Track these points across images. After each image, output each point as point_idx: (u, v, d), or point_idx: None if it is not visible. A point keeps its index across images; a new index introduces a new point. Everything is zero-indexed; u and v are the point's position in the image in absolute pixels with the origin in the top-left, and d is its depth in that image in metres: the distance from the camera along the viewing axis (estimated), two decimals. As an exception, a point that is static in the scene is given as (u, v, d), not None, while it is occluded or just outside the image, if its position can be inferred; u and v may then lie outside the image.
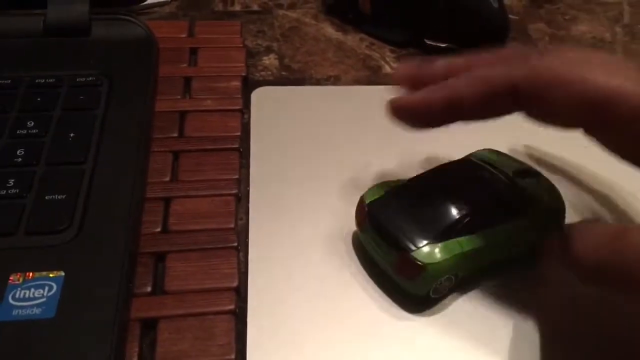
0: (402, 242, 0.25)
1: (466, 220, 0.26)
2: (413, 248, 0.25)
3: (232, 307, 0.26)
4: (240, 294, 0.26)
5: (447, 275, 0.25)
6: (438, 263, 0.25)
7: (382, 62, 0.40)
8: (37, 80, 0.32)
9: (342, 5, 0.43)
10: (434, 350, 0.25)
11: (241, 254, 0.28)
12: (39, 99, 0.31)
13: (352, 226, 0.29)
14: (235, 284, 0.26)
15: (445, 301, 0.27)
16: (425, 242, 0.25)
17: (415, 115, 0.26)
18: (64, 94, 0.32)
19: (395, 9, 0.41)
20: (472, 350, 0.25)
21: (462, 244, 0.25)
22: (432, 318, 0.26)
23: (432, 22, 0.40)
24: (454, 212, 0.26)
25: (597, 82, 0.22)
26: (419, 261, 0.25)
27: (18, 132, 0.29)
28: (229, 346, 0.24)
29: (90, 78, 0.33)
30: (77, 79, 0.33)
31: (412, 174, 0.29)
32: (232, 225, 0.29)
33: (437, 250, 0.25)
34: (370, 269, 0.28)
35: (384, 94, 0.37)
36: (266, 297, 0.26)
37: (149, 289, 0.26)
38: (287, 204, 0.30)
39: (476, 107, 0.25)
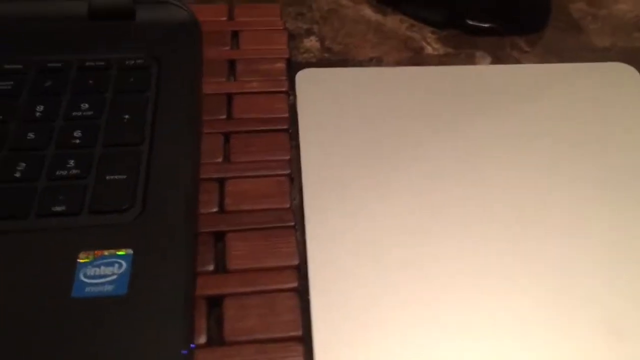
0: None
1: None
2: None
3: (294, 284, 0.26)
4: (301, 271, 0.27)
5: None
6: None
7: (424, 43, 0.40)
8: (87, 64, 0.33)
9: None
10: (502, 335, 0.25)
11: (298, 232, 0.28)
12: (90, 82, 0.31)
13: (406, 198, 0.29)
14: (296, 262, 0.27)
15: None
16: None
17: None
18: (114, 77, 0.32)
19: None
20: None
21: None
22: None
23: (474, 2, 0.40)
24: None
25: None
26: None
27: (73, 114, 0.30)
28: (295, 322, 0.24)
29: (139, 61, 0.33)
30: (127, 62, 0.33)
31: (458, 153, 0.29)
32: (287, 205, 0.29)
33: None
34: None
35: (427, 74, 0.37)
36: (327, 274, 0.26)
37: (211, 267, 0.26)
38: (339, 183, 0.30)
39: None
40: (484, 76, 0.37)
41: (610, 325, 0.25)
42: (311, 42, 0.40)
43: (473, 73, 0.38)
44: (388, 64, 0.38)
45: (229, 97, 0.35)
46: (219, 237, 0.27)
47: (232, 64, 0.37)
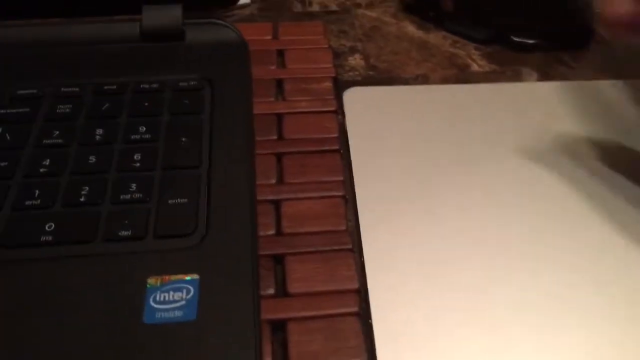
0: None
1: None
2: None
3: (356, 309, 0.26)
4: (361, 294, 0.27)
5: None
6: None
7: (469, 60, 0.40)
8: (141, 86, 0.33)
9: (422, 3, 0.43)
10: None
11: (355, 255, 0.28)
12: (146, 104, 0.32)
13: (464, 217, 0.29)
14: (356, 285, 0.27)
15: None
16: None
17: None
18: (168, 99, 0.32)
19: (479, 6, 0.40)
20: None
21: None
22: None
23: (518, 18, 0.40)
24: None
25: None
26: None
27: (132, 137, 0.30)
28: (359, 348, 0.24)
29: (192, 82, 0.33)
30: (180, 84, 0.33)
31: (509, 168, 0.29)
32: (344, 228, 0.29)
33: None
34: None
35: (475, 92, 0.37)
36: (388, 298, 0.26)
37: (272, 290, 0.26)
38: (394, 204, 0.30)
39: None
40: (533, 93, 0.37)
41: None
42: (355, 60, 0.40)
43: (521, 90, 0.38)
44: (434, 82, 0.39)
45: (279, 117, 0.35)
46: (278, 259, 0.28)
47: (279, 83, 0.37)
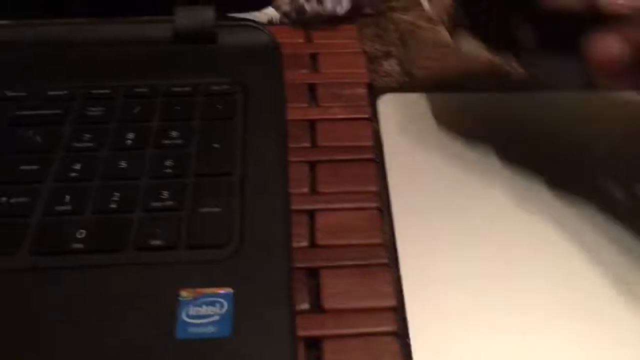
0: None
1: None
2: None
3: (394, 328, 0.25)
4: (399, 312, 0.26)
5: None
6: None
7: (509, 67, 0.39)
8: (173, 89, 0.32)
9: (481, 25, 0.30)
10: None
11: (392, 269, 0.27)
12: (178, 108, 0.31)
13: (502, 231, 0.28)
14: (393, 303, 0.26)
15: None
16: None
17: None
18: (201, 103, 0.32)
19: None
20: None
21: None
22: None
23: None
24: None
25: None
26: None
27: (163, 142, 0.29)
28: (397, 369, 0.23)
29: (225, 86, 0.33)
30: (212, 87, 0.33)
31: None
32: (380, 241, 0.28)
33: None
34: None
35: (516, 100, 0.36)
36: (426, 315, 0.25)
37: (306, 305, 0.25)
38: (432, 216, 0.29)
39: None
40: (574, 102, 0.36)
41: None
42: (391, 66, 0.39)
43: (562, 99, 0.36)
44: (472, 89, 0.37)
45: (312, 123, 0.34)
46: (313, 273, 0.27)
47: (311, 87, 0.36)
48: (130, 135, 0.29)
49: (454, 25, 0.32)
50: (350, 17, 0.41)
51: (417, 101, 0.36)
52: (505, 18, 0.28)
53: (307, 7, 0.40)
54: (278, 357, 0.21)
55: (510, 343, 0.25)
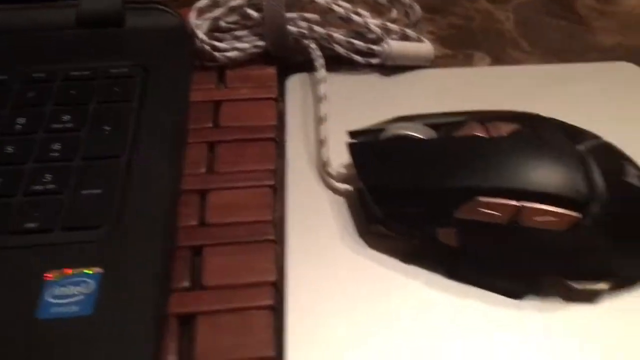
0: None
1: None
2: None
3: (270, 302, 0.25)
4: (278, 288, 0.26)
5: None
6: None
7: (421, 45, 0.39)
8: (72, 74, 0.32)
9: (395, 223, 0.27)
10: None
11: (278, 246, 0.28)
12: (73, 92, 0.31)
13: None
14: (273, 278, 0.26)
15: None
16: None
17: None
18: (98, 87, 0.32)
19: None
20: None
21: None
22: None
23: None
24: None
25: None
26: None
27: (54, 126, 0.29)
28: (268, 342, 0.24)
29: (124, 69, 0.33)
30: (111, 71, 0.32)
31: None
32: (269, 218, 0.28)
33: None
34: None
35: (426, 76, 0.36)
36: (305, 292, 0.26)
37: (186, 283, 0.26)
38: (326, 195, 0.30)
39: None
40: (482, 78, 0.36)
41: None
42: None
43: (471, 75, 0.36)
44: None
45: (217, 104, 0.34)
46: (197, 251, 0.27)
47: (221, 69, 0.36)
48: (21, 120, 0.29)
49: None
50: None
51: (324, 80, 0.36)
52: None
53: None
54: (138, 334, 0.22)
55: (386, 322, 0.25)
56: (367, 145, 0.28)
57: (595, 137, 0.26)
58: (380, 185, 0.26)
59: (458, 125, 0.27)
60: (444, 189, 0.25)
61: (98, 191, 0.26)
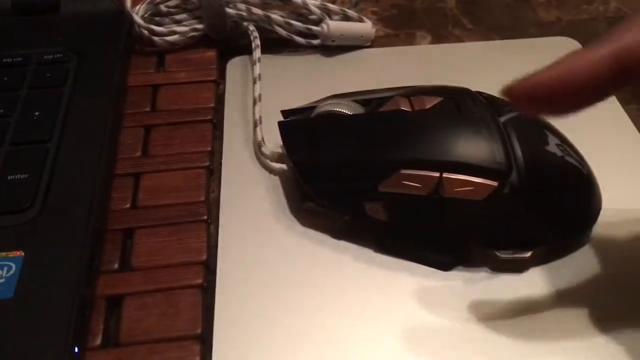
0: None
1: None
2: None
3: (199, 281, 0.25)
4: (210, 267, 0.26)
5: None
6: None
7: (363, 25, 0.39)
8: (4, 60, 0.32)
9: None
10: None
11: (212, 227, 0.28)
12: (5, 79, 0.31)
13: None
14: (203, 257, 0.26)
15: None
16: None
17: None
18: (31, 73, 0.31)
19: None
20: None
21: None
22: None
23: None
24: None
25: None
26: None
27: (-17, 113, 0.29)
28: (195, 321, 0.24)
29: (57, 55, 0.32)
30: (45, 57, 0.32)
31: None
32: (202, 199, 0.28)
33: None
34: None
35: (368, 57, 0.36)
36: (236, 271, 0.26)
37: (115, 265, 0.25)
38: (260, 176, 0.30)
39: None
40: (422, 56, 0.36)
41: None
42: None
43: (411, 53, 0.37)
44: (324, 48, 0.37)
45: (155, 88, 0.34)
46: (129, 234, 0.27)
47: (160, 53, 0.36)
48: (-52, 109, 0.29)
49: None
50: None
51: (268, 62, 0.36)
52: None
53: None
54: (59, 316, 0.21)
55: (316, 299, 0.25)
56: (296, 123, 0.28)
57: None
58: (308, 162, 0.26)
59: (386, 100, 0.27)
60: (369, 162, 0.25)
61: (24, 176, 0.26)
